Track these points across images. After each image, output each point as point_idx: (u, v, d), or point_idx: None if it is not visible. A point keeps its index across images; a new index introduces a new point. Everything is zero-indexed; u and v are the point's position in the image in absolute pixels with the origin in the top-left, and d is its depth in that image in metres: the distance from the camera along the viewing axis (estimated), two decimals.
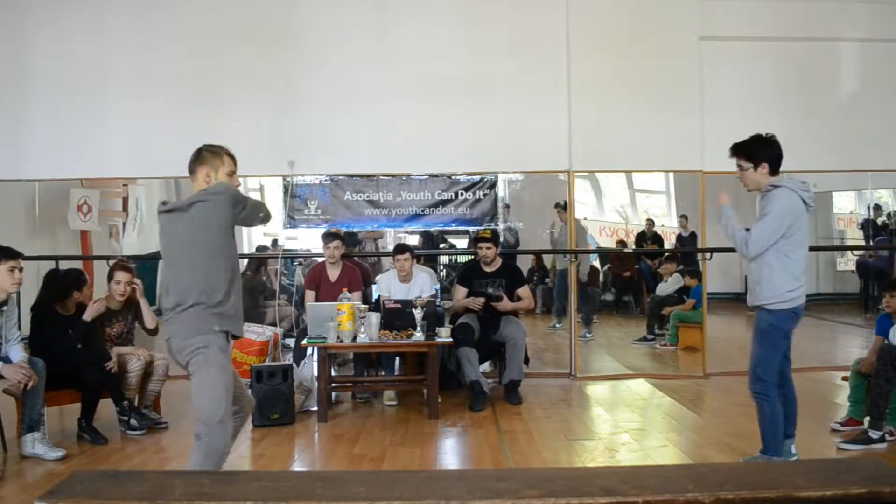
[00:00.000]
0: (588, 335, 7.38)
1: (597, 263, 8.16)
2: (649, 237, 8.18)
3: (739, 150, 3.58)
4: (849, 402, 4.46)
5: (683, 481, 2.02)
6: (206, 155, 2.97)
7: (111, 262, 5.15)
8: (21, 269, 4.08)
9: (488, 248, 5.48)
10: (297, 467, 4.04)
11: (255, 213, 3.01)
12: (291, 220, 6.43)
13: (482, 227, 6.23)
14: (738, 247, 3.54)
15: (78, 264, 5.94)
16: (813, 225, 8.44)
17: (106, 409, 4.59)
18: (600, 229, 7.91)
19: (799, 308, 3.48)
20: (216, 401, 2.81)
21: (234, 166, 3.01)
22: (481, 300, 5.37)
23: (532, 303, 5.79)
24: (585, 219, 7.30)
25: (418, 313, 4.87)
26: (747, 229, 3.54)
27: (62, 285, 4.51)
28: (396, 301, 5.25)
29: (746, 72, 6.32)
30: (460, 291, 5.56)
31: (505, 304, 5.38)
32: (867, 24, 6.34)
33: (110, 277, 4.78)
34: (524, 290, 5.55)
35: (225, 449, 2.86)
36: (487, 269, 5.51)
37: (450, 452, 4.34)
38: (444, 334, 4.99)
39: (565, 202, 6.55)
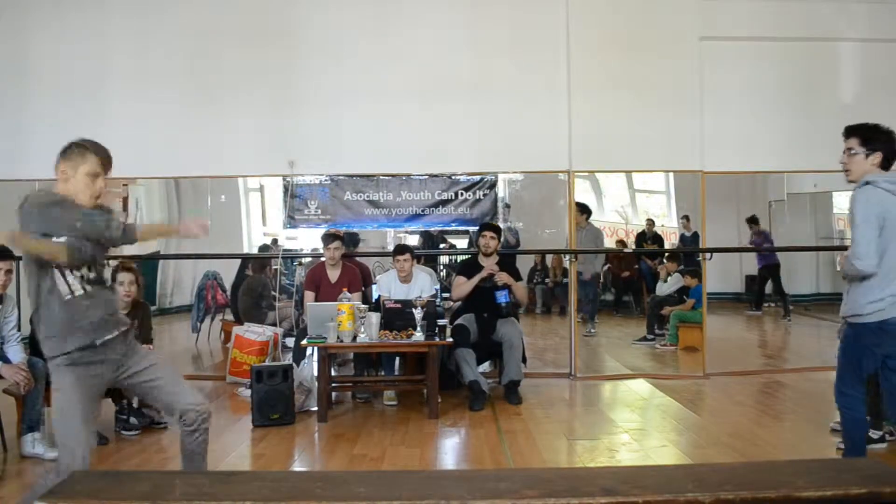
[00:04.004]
0: (592, 331, 7.46)
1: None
2: (649, 237, 8.18)
3: (856, 132, 3.17)
4: None
5: (683, 481, 2.02)
6: (71, 150, 2.68)
7: (112, 264, 5.13)
8: (11, 271, 4.07)
9: (492, 238, 5.52)
10: (297, 467, 4.04)
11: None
12: (291, 220, 6.43)
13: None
14: (847, 272, 3.10)
15: None
16: (812, 225, 8.47)
17: (106, 409, 4.58)
18: (600, 229, 7.91)
19: (888, 323, 3.04)
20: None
21: (101, 168, 2.68)
22: (495, 268, 5.39)
23: (525, 297, 5.79)
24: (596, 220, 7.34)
25: (418, 313, 4.87)
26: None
27: None
28: (396, 301, 5.25)
29: (746, 72, 6.31)
30: (461, 282, 5.58)
31: (502, 275, 5.38)
32: (867, 25, 6.34)
33: (113, 279, 4.76)
34: (521, 284, 5.62)
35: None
36: (486, 264, 5.52)
37: (450, 452, 4.34)
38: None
39: (583, 205, 6.75)
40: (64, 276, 2.61)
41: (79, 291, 2.62)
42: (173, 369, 2.92)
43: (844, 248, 3.25)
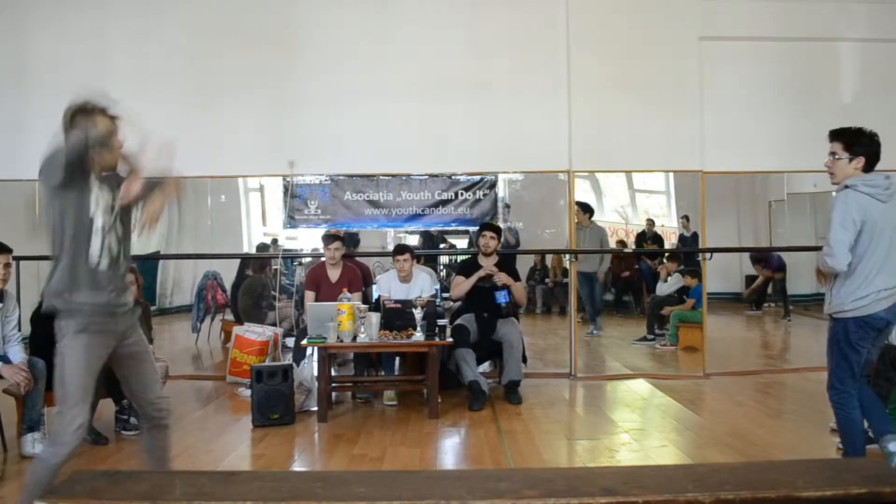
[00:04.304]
0: (596, 332, 7.51)
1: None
2: (649, 237, 8.18)
3: (840, 136, 3.30)
4: None
5: (683, 481, 2.02)
6: (77, 117, 2.62)
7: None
8: (9, 265, 4.07)
9: (491, 238, 5.55)
10: (297, 467, 4.04)
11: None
12: (291, 220, 6.43)
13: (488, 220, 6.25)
14: (821, 267, 3.30)
15: None
16: (812, 225, 8.46)
17: (106, 409, 4.59)
18: (604, 228, 7.90)
19: (872, 318, 3.24)
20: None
21: (113, 125, 2.66)
22: (493, 268, 5.43)
23: (524, 298, 5.79)
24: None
25: (418, 313, 4.87)
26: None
27: None
28: (396, 301, 5.25)
29: (746, 72, 6.31)
30: (459, 281, 5.59)
31: (501, 275, 5.40)
32: (867, 24, 6.34)
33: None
34: (519, 285, 5.63)
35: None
36: (486, 264, 5.54)
37: (450, 452, 4.34)
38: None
39: (585, 204, 6.86)
40: (94, 241, 2.62)
41: (104, 263, 2.64)
42: (154, 365, 2.93)
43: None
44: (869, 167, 3.28)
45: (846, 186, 3.26)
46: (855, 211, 3.20)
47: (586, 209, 7.01)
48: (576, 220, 6.55)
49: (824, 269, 3.29)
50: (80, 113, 2.64)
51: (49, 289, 2.63)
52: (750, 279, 8.99)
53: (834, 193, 3.39)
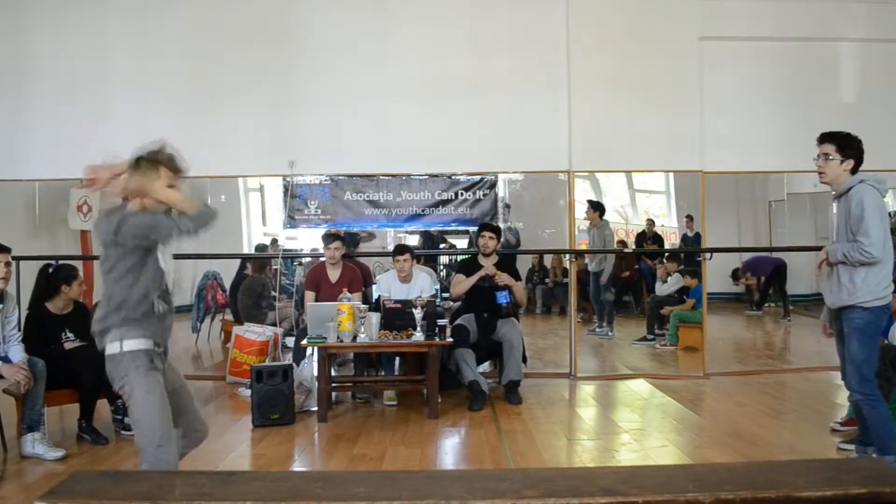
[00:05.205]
0: (609, 333, 7.55)
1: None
2: (649, 237, 8.18)
3: (833, 139, 3.46)
4: (849, 402, 4.44)
5: (683, 481, 2.02)
6: (143, 166, 2.67)
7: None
8: (10, 264, 4.07)
9: (490, 238, 5.55)
10: (297, 467, 4.04)
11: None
12: (291, 220, 6.43)
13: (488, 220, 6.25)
14: (858, 260, 3.35)
15: (78, 264, 5.93)
16: (813, 225, 8.47)
17: (106, 409, 4.59)
18: (611, 229, 7.90)
19: (889, 305, 3.47)
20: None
21: (174, 176, 2.68)
22: (493, 268, 5.45)
23: (524, 298, 5.79)
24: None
25: (418, 313, 4.87)
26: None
27: (51, 281, 4.48)
28: (396, 301, 5.25)
29: (746, 72, 6.31)
30: (460, 279, 5.60)
31: (502, 276, 5.41)
32: (867, 24, 6.34)
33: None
34: (520, 285, 5.63)
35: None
36: (485, 264, 5.54)
37: (450, 452, 4.34)
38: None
39: (597, 203, 6.95)
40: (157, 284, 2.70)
41: (162, 305, 2.72)
42: (190, 391, 2.93)
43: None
44: (854, 171, 3.47)
45: (861, 181, 3.40)
46: (880, 202, 3.39)
47: (597, 207, 7.02)
48: (586, 219, 6.58)
49: (868, 259, 3.32)
50: (146, 161, 2.66)
51: (113, 318, 2.64)
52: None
53: (834, 192, 3.52)
